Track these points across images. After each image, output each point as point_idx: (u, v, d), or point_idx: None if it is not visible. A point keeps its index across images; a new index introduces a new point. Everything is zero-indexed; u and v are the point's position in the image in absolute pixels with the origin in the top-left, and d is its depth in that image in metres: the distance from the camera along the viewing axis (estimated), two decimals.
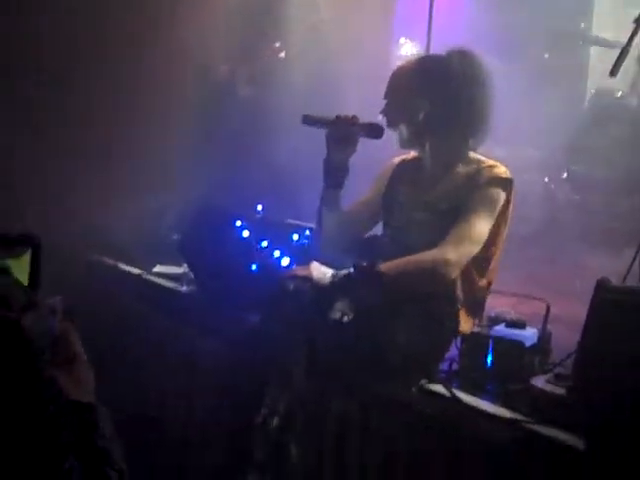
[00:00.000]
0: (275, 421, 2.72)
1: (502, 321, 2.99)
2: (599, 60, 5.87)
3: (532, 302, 3.10)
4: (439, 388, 2.81)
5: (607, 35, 5.76)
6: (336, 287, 2.75)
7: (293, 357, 2.75)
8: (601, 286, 2.31)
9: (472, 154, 3.03)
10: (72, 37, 5.35)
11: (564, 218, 5.06)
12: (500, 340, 2.88)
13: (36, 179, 5.47)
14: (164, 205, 5.06)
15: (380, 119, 3.07)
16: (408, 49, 6.48)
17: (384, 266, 2.75)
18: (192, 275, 4.05)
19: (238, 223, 3.76)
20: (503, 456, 2.55)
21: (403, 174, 3.18)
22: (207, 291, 3.91)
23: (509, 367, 2.85)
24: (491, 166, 2.95)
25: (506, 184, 2.92)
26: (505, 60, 5.83)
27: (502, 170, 2.94)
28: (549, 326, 3.00)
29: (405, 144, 3.07)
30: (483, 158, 3.01)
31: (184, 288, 4.10)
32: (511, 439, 2.53)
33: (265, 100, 5.10)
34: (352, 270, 2.75)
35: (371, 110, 5.30)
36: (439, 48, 5.72)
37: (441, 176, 3.02)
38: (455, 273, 2.80)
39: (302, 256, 3.57)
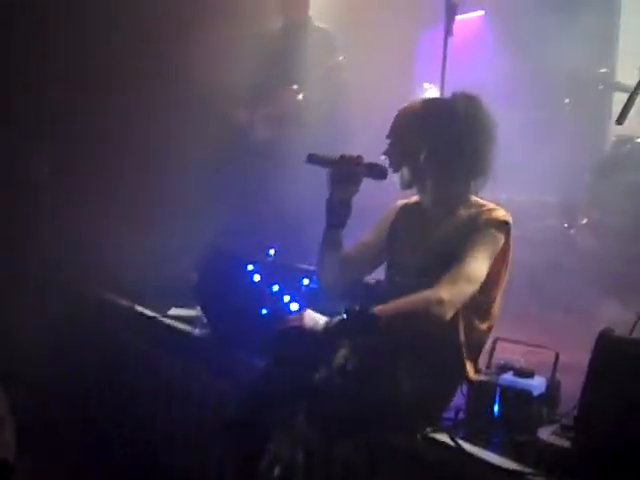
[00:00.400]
0: (277, 470, 2.69)
1: (510, 369, 2.95)
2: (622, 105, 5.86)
3: (543, 351, 3.05)
4: (444, 437, 2.77)
5: (630, 81, 5.75)
6: (330, 334, 2.72)
7: (295, 403, 2.72)
8: (603, 336, 2.28)
9: (473, 198, 3.01)
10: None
11: (582, 264, 5.00)
12: (507, 389, 2.84)
13: (63, 216, 5.58)
14: (182, 248, 5.10)
15: (383, 159, 3.07)
16: (432, 94, 6.52)
17: (378, 309, 2.73)
18: (205, 318, 4.06)
19: (250, 267, 3.77)
20: None
21: (406, 217, 3.16)
22: (218, 334, 3.92)
23: (516, 416, 2.80)
24: (490, 209, 2.92)
25: (504, 227, 2.89)
26: (524, 105, 5.86)
27: (501, 213, 2.91)
28: (560, 375, 2.95)
29: (406, 185, 3.05)
30: (484, 202, 2.99)
31: (197, 331, 4.12)
32: None
33: (282, 143, 5.12)
34: (345, 316, 2.73)
35: None
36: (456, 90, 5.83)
37: (442, 219, 3.00)
38: (449, 313, 2.74)
39: (312, 300, 3.56)
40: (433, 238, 2.98)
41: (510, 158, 5.58)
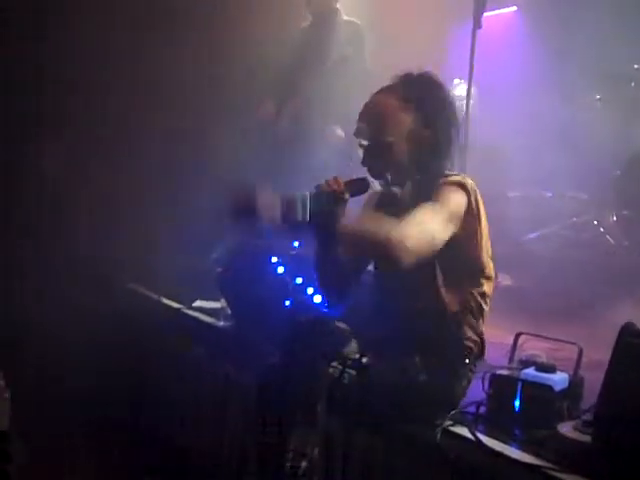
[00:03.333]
0: (304, 465, 2.68)
1: (532, 364, 2.93)
2: None
3: (570, 347, 3.01)
4: (464, 431, 2.75)
5: None
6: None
7: (316, 393, 2.72)
8: (625, 330, 2.25)
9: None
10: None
11: (611, 261, 4.95)
12: (529, 384, 2.82)
13: (94, 212, 5.64)
14: (209, 242, 5.12)
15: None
16: (462, 90, 6.47)
17: (343, 226, 2.69)
18: (229, 310, 4.08)
19: (274, 259, 3.78)
20: None
21: (384, 204, 3.04)
22: (242, 325, 3.93)
23: (537, 412, 2.78)
24: (447, 176, 2.84)
25: (460, 187, 2.77)
26: (556, 101, 5.81)
27: (456, 178, 2.81)
28: (588, 372, 2.91)
29: (389, 187, 2.96)
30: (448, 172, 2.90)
31: (221, 323, 4.14)
32: None
33: (305, 134, 5.13)
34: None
35: None
36: (490, 88, 5.80)
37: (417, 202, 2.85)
38: (408, 261, 2.60)
39: None
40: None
41: (541, 154, 5.62)
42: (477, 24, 4.24)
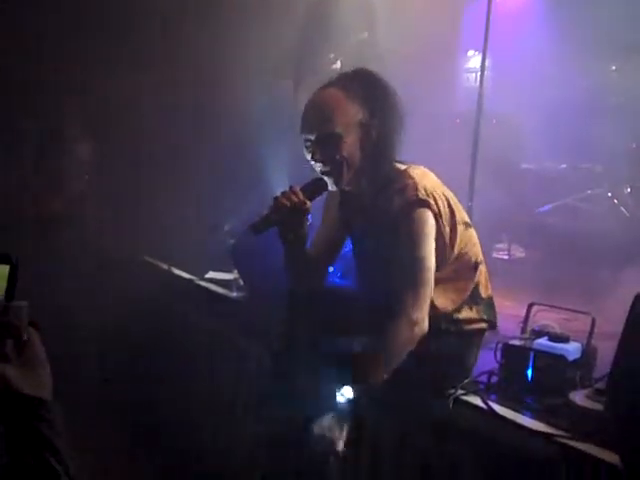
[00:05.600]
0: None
1: (545, 334, 2.93)
2: None
3: (584, 317, 3.00)
4: (476, 400, 2.76)
5: None
6: None
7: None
8: (638, 300, 2.24)
9: (396, 166, 2.88)
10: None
11: (625, 232, 4.93)
12: (541, 353, 2.82)
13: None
14: (222, 215, 5.13)
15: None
16: (476, 62, 6.43)
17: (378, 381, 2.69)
18: (241, 281, 4.09)
19: None
20: (539, 470, 2.48)
21: (347, 202, 3.03)
22: (255, 294, 3.94)
23: (550, 381, 2.78)
24: (402, 189, 2.77)
25: (423, 205, 2.73)
26: (571, 71, 5.76)
27: (412, 194, 2.75)
28: (603, 343, 2.91)
29: (344, 186, 2.89)
30: (402, 169, 2.84)
31: (234, 294, 4.15)
32: (547, 454, 2.46)
33: None
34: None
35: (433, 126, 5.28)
36: (505, 60, 5.76)
37: (379, 202, 2.86)
38: (426, 323, 2.68)
39: (345, 263, 3.57)
40: (375, 220, 2.88)
41: (555, 126, 5.58)
42: None
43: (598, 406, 2.50)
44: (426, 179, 2.81)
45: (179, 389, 4.16)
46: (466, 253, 2.88)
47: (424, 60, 5.91)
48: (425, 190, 2.75)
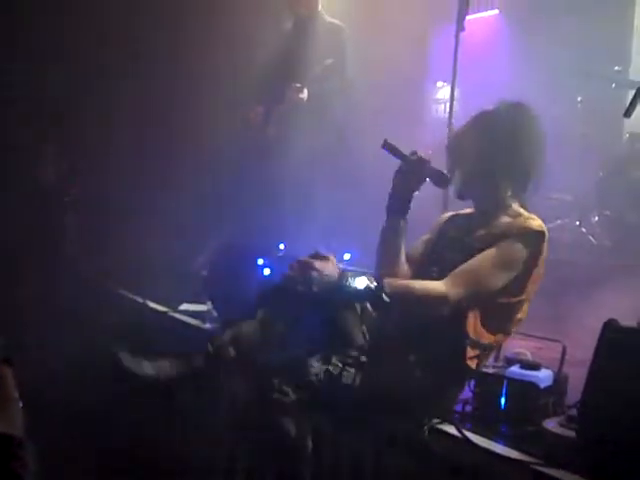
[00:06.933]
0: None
1: (517, 362, 2.96)
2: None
3: (555, 346, 3.05)
4: (451, 429, 2.78)
5: None
6: (337, 290, 2.75)
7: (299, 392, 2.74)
8: (608, 326, 2.28)
9: (515, 206, 3.01)
10: None
11: (593, 260, 5.00)
12: (514, 381, 2.85)
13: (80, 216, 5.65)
14: (195, 246, 5.14)
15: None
16: (445, 93, 6.51)
17: (388, 282, 2.76)
18: (215, 312, 4.09)
19: (260, 261, 3.79)
20: None
21: (454, 222, 3.20)
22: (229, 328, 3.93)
23: (523, 409, 2.81)
24: (525, 218, 2.93)
25: (536, 237, 2.87)
26: (538, 103, 5.85)
27: (536, 223, 2.90)
28: (574, 370, 2.94)
29: (458, 194, 3.08)
30: (523, 211, 2.99)
31: (207, 325, 4.14)
32: None
33: (288, 142, 5.14)
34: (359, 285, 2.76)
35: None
36: (472, 89, 5.83)
37: (483, 225, 3.00)
38: (447, 308, 2.78)
39: None
40: (470, 239, 2.99)
41: None
42: (460, 27, 4.26)
43: (570, 433, 2.53)
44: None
45: (156, 427, 4.14)
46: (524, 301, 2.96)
47: (393, 90, 5.99)
48: (542, 227, 2.88)
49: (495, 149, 2.94)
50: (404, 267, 3.14)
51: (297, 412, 2.68)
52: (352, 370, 2.80)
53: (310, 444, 2.74)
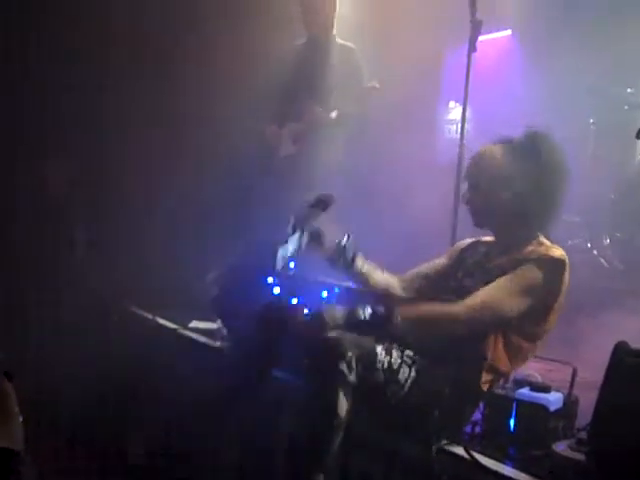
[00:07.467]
0: None
1: (527, 384, 2.95)
2: None
3: (567, 368, 3.03)
4: (460, 450, 2.77)
5: None
6: (349, 327, 2.74)
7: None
8: (618, 349, 2.27)
9: (540, 238, 3.01)
10: None
11: (605, 284, 4.97)
12: (524, 403, 2.84)
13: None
14: (206, 263, 5.14)
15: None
16: (457, 114, 6.50)
17: (401, 311, 2.75)
18: (225, 331, 4.09)
19: (270, 280, 3.79)
20: None
21: (475, 248, 3.21)
22: (239, 346, 3.93)
23: (532, 431, 2.80)
24: (547, 247, 2.93)
25: (555, 265, 2.88)
26: (550, 124, 5.84)
27: (557, 252, 2.90)
28: (585, 393, 2.93)
29: (479, 223, 3.09)
30: (546, 240, 3.00)
31: (217, 343, 4.14)
32: None
33: (306, 160, 5.15)
34: (368, 314, 2.76)
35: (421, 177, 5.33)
36: (484, 112, 5.83)
37: (505, 252, 3.01)
38: (461, 332, 2.80)
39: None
40: (491, 266, 2.99)
41: None
42: (472, 48, 4.26)
43: (580, 456, 2.51)
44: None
45: (163, 441, 4.13)
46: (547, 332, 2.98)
47: (405, 110, 5.99)
48: (563, 256, 2.89)
49: (523, 183, 2.91)
50: (391, 280, 3.22)
51: (351, 394, 2.68)
52: (407, 369, 2.83)
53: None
